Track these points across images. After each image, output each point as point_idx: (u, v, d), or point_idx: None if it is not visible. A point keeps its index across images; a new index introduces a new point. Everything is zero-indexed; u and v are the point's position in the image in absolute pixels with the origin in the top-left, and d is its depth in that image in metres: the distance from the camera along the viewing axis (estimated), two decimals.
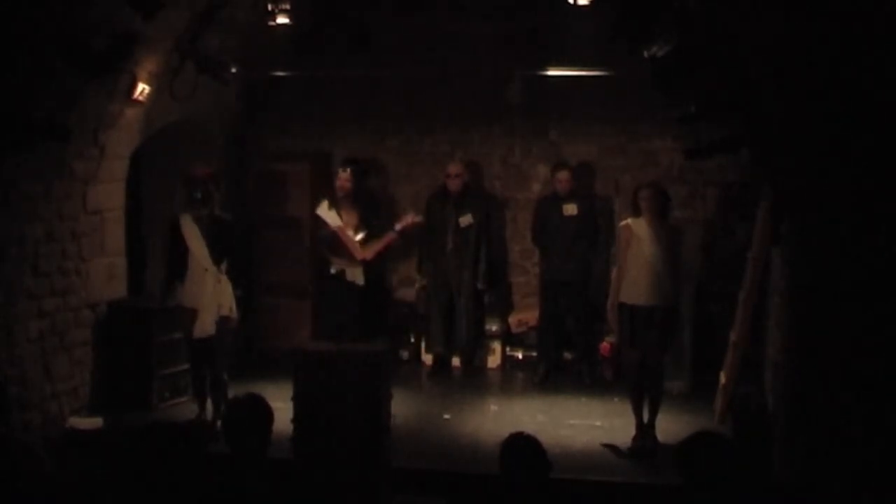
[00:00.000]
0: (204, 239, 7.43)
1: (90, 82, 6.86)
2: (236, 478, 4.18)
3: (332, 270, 8.86)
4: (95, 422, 7.37)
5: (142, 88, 7.55)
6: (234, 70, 8.08)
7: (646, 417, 7.25)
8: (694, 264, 9.34)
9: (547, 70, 9.29)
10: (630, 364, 7.34)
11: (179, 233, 7.46)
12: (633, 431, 7.30)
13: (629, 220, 7.30)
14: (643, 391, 7.24)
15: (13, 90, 6.29)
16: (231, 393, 7.65)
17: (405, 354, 9.70)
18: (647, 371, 7.22)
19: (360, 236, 8.84)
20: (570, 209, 9.08)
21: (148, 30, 6.88)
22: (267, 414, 4.39)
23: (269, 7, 7.78)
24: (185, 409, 8.02)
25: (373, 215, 9.03)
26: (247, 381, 7.95)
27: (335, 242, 8.79)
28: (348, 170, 8.90)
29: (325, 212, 8.84)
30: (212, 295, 7.43)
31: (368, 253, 8.81)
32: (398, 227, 9.00)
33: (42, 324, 7.25)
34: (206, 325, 7.43)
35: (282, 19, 7.80)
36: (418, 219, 9.14)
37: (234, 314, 7.62)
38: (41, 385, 7.24)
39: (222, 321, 7.49)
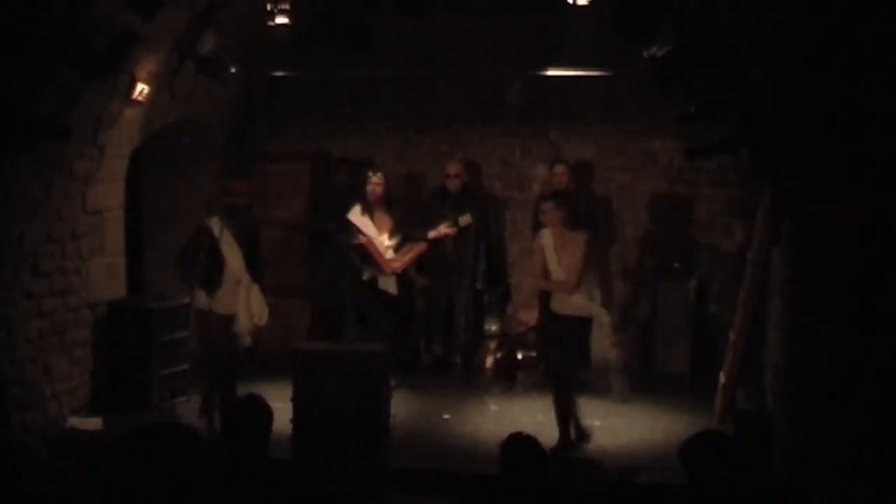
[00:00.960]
0: (241, 250, 7.50)
1: (90, 82, 6.86)
2: (236, 478, 4.18)
3: (364, 277, 8.81)
4: (95, 422, 7.37)
5: (141, 88, 7.55)
6: (233, 70, 8.08)
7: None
8: (695, 264, 9.37)
9: (546, 70, 9.30)
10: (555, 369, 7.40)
11: (216, 244, 7.42)
12: (633, 431, 7.30)
13: (542, 230, 7.43)
14: (573, 395, 7.25)
15: (13, 90, 6.29)
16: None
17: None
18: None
19: (393, 241, 8.80)
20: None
21: (147, 30, 6.87)
22: (267, 414, 4.38)
23: (269, 7, 7.78)
24: (185, 409, 8.03)
25: (405, 219, 8.94)
26: (247, 381, 7.95)
27: (365, 251, 8.73)
28: (379, 173, 8.83)
29: (358, 217, 8.76)
30: (244, 304, 7.51)
31: (398, 265, 8.81)
32: (431, 235, 8.95)
33: (42, 324, 7.24)
34: (244, 336, 7.57)
35: (281, 19, 7.80)
36: (452, 230, 9.07)
37: (265, 321, 7.71)
38: (41, 385, 7.23)
39: (255, 330, 7.65)
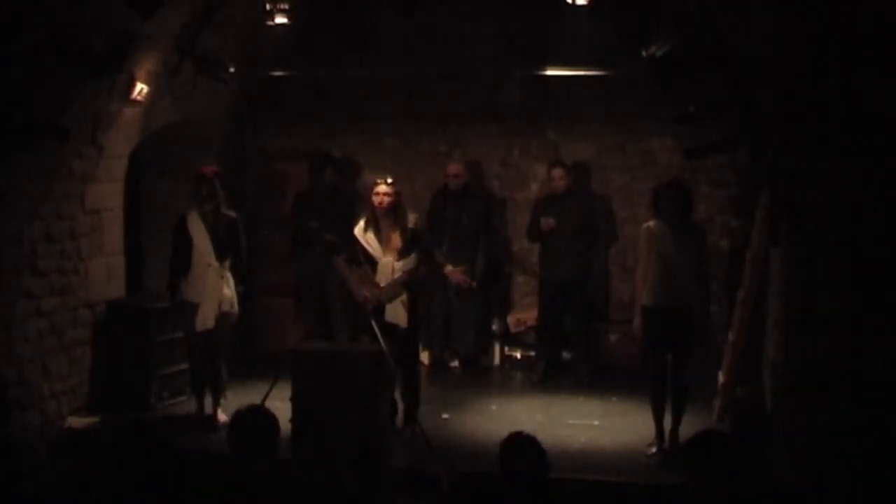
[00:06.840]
0: (209, 235, 7.48)
1: (89, 82, 6.86)
2: (236, 477, 4.18)
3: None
4: (94, 421, 7.37)
5: (140, 88, 7.54)
6: (232, 70, 8.08)
7: (669, 423, 7.09)
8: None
9: (546, 70, 9.29)
10: (651, 367, 7.27)
11: (186, 230, 7.49)
12: (633, 431, 7.28)
13: (650, 223, 7.18)
14: (665, 395, 7.11)
15: (12, 90, 6.28)
16: (228, 390, 7.68)
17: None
18: (672, 376, 7.08)
19: (402, 263, 7.16)
20: (568, 209, 9.07)
21: (146, 29, 6.87)
22: (273, 427, 4.37)
23: (268, 7, 7.76)
24: (185, 408, 8.02)
25: (420, 235, 7.40)
26: (246, 381, 7.96)
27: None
28: (388, 179, 7.24)
29: (361, 233, 7.24)
30: (213, 289, 7.47)
31: (376, 294, 7.15)
32: (448, 271, 7.90)
33: (41, 323, 7.24)
34: (207, 319, 7.45)
35: (280, 19, 7.78)
36: (466, 279, 8.64)
37: (235, 309, 7.65)
38: (40, 385, 7.23)
39: (222, 316, 7.52)
